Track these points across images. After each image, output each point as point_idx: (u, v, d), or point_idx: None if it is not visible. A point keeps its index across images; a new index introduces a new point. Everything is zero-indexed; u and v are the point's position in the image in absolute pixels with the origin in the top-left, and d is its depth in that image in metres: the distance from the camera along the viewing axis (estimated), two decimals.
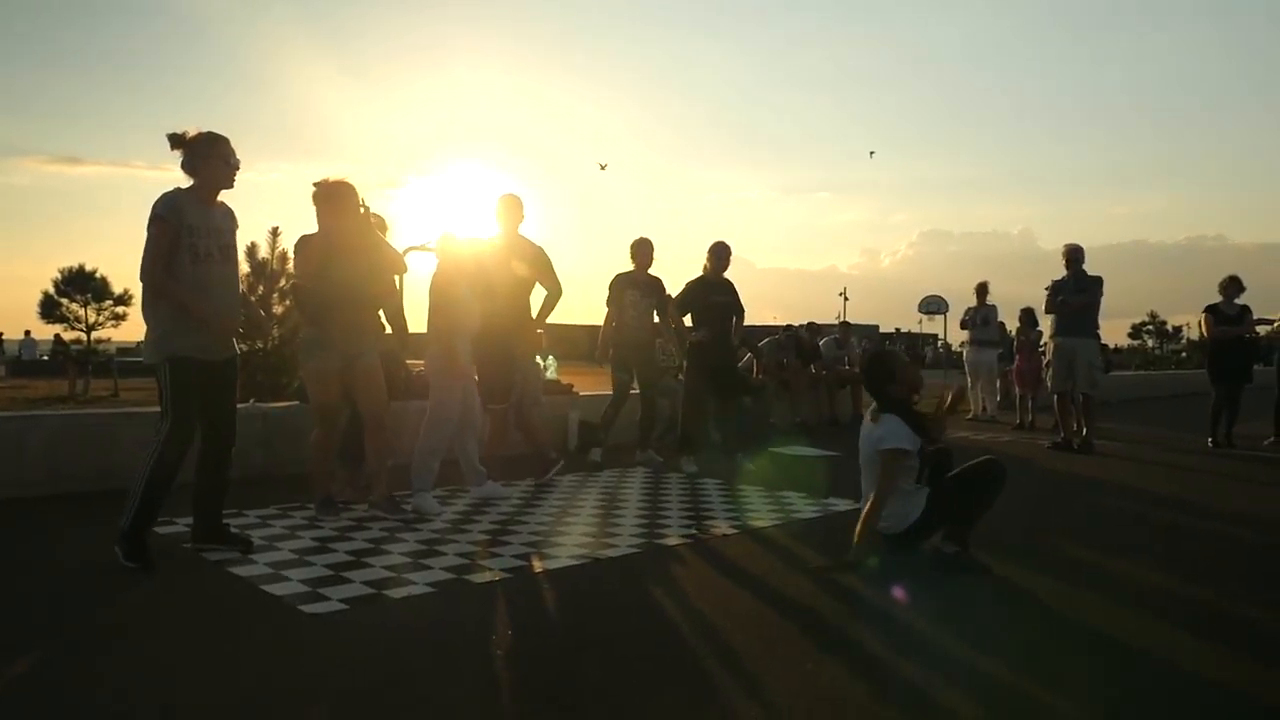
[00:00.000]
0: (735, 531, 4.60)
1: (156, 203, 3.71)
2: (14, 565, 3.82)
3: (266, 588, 3.42)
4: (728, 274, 7.12)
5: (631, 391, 7.19)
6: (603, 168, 57.26)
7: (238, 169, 3.88)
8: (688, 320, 7.03)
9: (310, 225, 4.69)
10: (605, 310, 7.14)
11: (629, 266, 7.07)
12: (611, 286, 7.03)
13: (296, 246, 4.70)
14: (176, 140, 3.79)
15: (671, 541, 4.33)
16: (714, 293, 7.00)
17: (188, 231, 3.71)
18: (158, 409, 3.85)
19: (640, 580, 3.67)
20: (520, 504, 5.23)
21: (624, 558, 4.01)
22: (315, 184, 4.67)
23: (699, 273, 7.11)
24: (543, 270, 6.10)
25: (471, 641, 2.93)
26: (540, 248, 6.14)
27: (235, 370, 4.03)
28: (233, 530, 4.05)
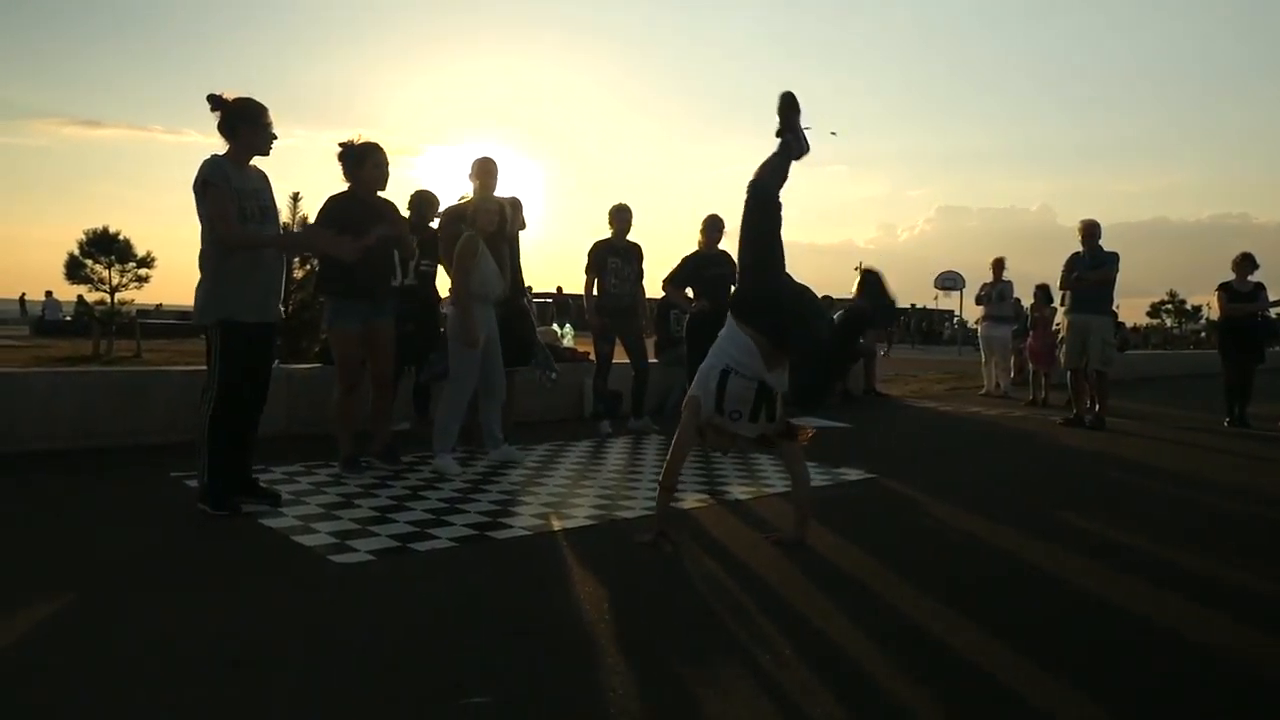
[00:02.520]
0: (748, 497, 4.71)
1: (203, 168, 3.81)
2: (47, 514, 3.98)
3: (296, 538, 3.56)
4: (722, 245, 7.15)
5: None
6: (834, 134, 53.92)
7: (275, 139, 4.00)
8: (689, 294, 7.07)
9: (329, 189, 4.86)
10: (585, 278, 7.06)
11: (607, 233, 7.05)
12: (591, 254, 7.02)
13: (327, 209, 4.82)
14: (217, 102, 3.88)
15: (686, 505, 4.44)
16: (710, 265, 7.03)
17: (234, 195, 3.83)
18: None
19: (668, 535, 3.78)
20: (537, 467, 5.35)
21: (640, 519, 4.12)
22: (341, 144, 4.81)
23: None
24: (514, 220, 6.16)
25: (494, 592, 3.06)
26: (514, 198, 6.20)
27: (276, 333, 4.16)
28: (262, 484, 4.19)
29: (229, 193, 3.79)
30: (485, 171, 6.05)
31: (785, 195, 3.94)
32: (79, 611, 2.76)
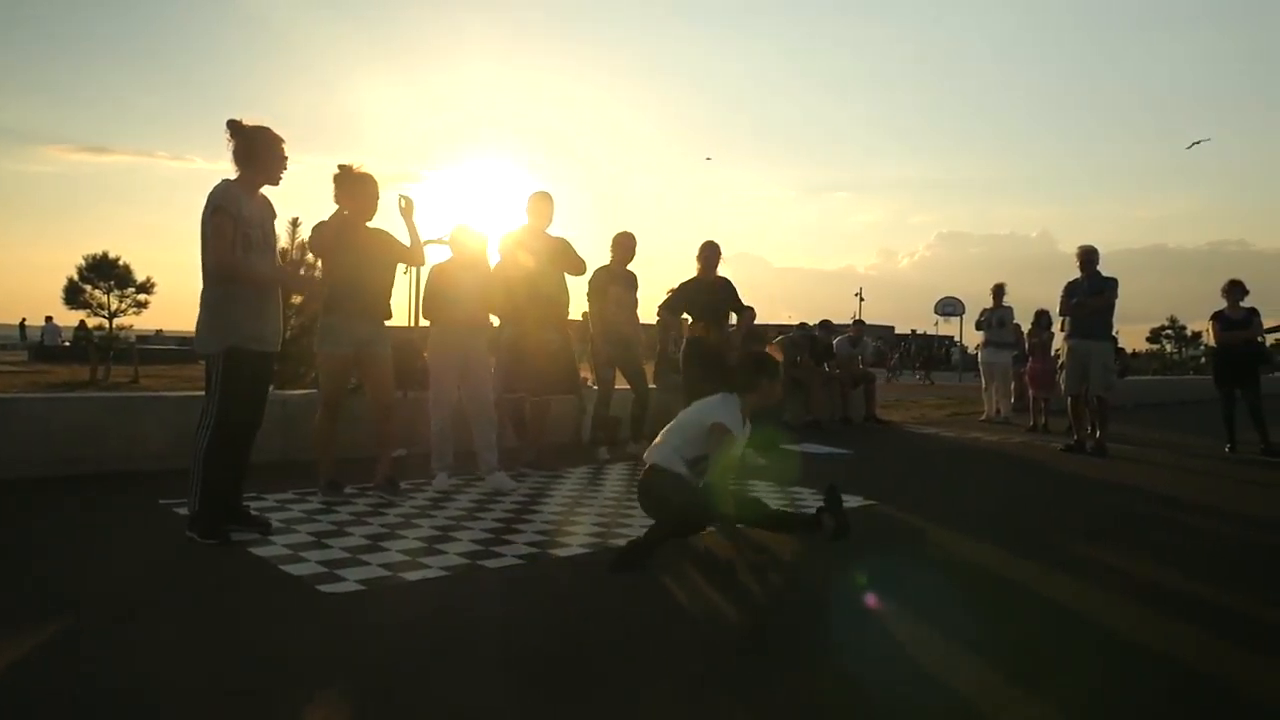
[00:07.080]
0: (743, 526, 4.64)
1: (214, 193, 3.80)
2: (38, 543, 3.93)
3: (285, 568, 3.50)
4: (721, 271, 7.11)
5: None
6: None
7: (286, 168, 3.99)
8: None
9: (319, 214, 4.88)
10: (588, 306, 7.09)
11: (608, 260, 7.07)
12: (592, 281, 6.96)
13: (314, 231, 4.80)
14: (236, 129, 3.87)
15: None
16: (706, 291, 6.99)
17: (243, 222, 3.82)
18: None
19: (649, 568, 3.73)
20: (532, 495, 5.30)
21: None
22: (340, 167, 4.82)
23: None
24: (565, 257, 6.14)
25: (489, 620, 3.00)
26: (564, 239, 6.21)
27: (274, 362, 4.13)
28: (253, 512, 4.14)
29: (236, 220, 3.77)
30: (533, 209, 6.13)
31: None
32: (67, 644, 2.71)
